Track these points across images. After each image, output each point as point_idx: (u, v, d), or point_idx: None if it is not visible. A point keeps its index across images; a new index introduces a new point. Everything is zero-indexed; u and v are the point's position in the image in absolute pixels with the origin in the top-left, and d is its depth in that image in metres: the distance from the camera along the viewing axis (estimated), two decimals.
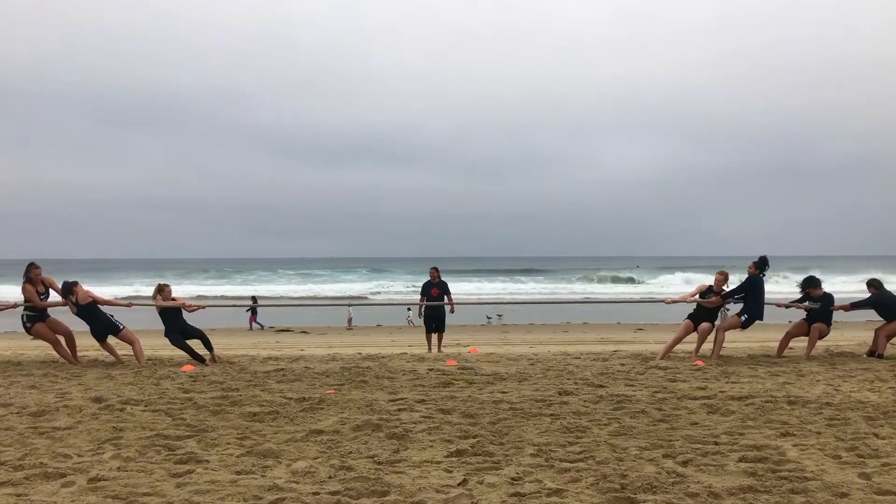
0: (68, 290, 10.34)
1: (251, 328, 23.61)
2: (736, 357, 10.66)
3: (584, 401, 7.03)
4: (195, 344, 10.73)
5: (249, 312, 24.32)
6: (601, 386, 7.97)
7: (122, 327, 10.38)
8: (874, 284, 11.15)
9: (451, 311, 13.96)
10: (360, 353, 11.93)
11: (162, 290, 10.82)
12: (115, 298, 12.00)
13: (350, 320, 24.47)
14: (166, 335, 10.68)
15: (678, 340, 10.88)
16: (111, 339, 10.49)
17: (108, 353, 10.68)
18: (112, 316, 10.45)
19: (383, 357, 11.05)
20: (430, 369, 9.37)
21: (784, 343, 10.97)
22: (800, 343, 11.26)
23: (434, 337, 13.81)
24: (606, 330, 20.92)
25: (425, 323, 13.91)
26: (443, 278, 14.27)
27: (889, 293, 11.11)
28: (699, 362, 9.93)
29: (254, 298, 26.11)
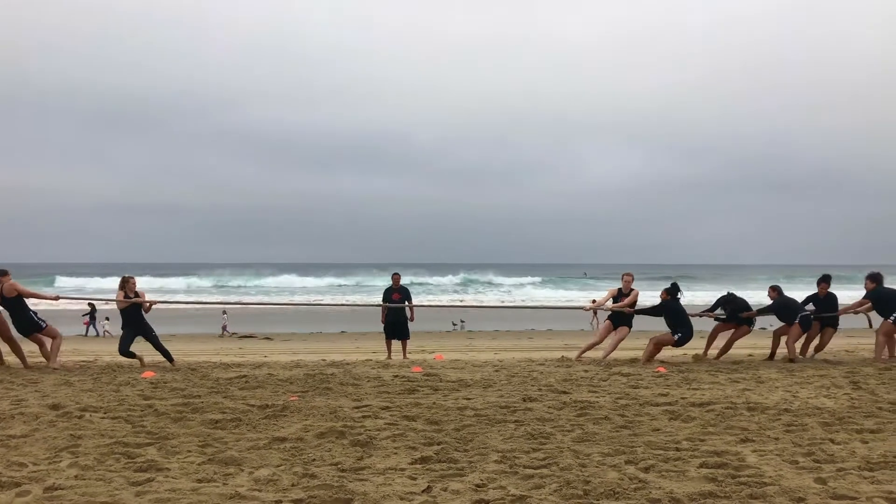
0: None
1: (86, 334, 24.04)
2: (696, 364, 10.81)
3: (548, 407, 7.08)
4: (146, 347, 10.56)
5: (86, 317, 24.76)
6: (565, 392, 8.03)
7: (44, 325, 10.24)
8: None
9: (412, 318, 13.77)
10: (324, 360, 11.87)
11: (126, 282, 10.52)
12: (43, 291, 11.44)
13: (224, 327, 23.80)
14: (122, 328, 10.49)
15: (595, 344, 11.65)
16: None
17: (38, 349, 10.47)
18: (36, 314, 10.24)
19: (348, 364, 11.00)
20: (395, 376, 9.34)
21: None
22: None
23: (397, 344, 13.69)
24: (571, 336, 21.06)
25: (385, 330, 13.80)
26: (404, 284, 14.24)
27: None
28: (661, 369, 10.07)
29: (91, 305, 24.48)
